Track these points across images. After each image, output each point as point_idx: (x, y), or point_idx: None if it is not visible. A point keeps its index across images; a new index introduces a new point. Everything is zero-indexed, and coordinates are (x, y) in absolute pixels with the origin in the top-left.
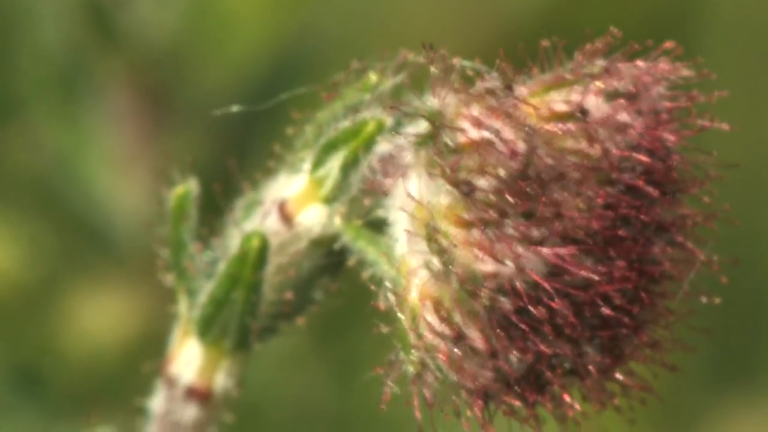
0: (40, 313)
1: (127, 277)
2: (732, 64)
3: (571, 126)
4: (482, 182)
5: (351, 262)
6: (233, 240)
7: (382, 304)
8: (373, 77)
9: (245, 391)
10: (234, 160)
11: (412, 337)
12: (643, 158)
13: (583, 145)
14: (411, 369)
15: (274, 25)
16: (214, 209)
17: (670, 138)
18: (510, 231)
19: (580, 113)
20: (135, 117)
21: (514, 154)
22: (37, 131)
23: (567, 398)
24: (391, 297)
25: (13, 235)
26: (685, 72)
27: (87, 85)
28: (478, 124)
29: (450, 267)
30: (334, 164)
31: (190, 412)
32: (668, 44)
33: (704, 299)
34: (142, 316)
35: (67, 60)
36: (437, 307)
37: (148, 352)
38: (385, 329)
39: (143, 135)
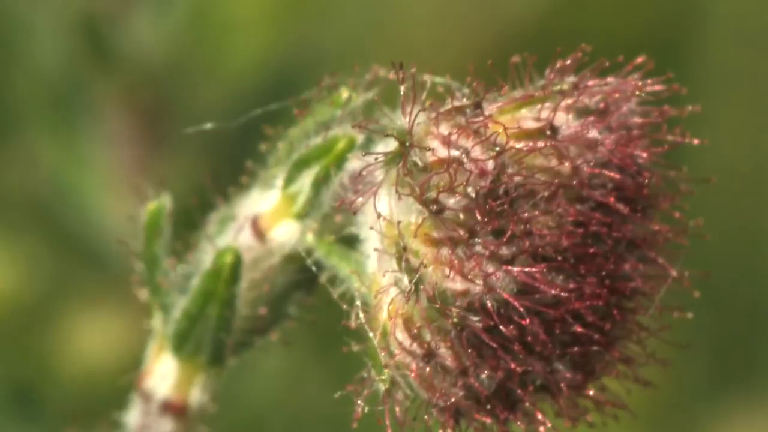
0: (36, 332)
1: (123, 296)
2: (732, 65)
3: (541, 143)
4: (451, 201)
5: (323, 278)
6: (207, 255)
7: (353, 323)
8: (344, 93)
9: (246, 405)
10: (226, 174)
11: (382, 356)
12: (614, 175)
13: (554, 162)
14: (382, 387)
15: (271, 42)
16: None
17: (641, 154)
18: (480, 249)
19: (550, 130)
20: (131, 136)
21: (483, 172)
22: (34, 151)
23: (539, 415)
24: (362, 315)
25: (9, 255)
26: (657, 87)
27: (83, 105)
28: (447, 143)
29: (420, 285)
30: (306, 181)
31: (165, 427)
32: (640, 59)
33: (676, 314)
34: (137, 335)
35: (63, 80)
36: (408, 325)
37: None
38: (356, 347)
39: (139, 155)
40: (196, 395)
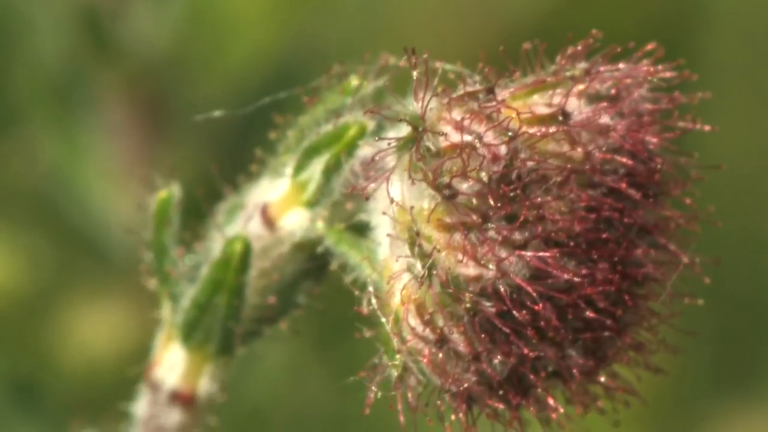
0: (37, 324)
1: (124, 288)
2: (733, 62)
3: (553, 129)
4: (464, 186)
5: (334, 266)
6: (216, 244)
7: (365, 309)
8: (354, 81)
9: (248, 398)
10: (226, 167)
11: (395, 341)
12: (626, 161)
13: (566, 148)
14: (394, 373)
15: (272, 34)
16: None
17: (652, 140)
18: (492, 234)
19: (562, 116)
20: (132, 129)
21: (495, 157)
22: (34, 143)
23: (551, 401)
24: (374, 301)
25: (10, 247)
26: (667, 74)
27: (84, 98)
28: (459, 128)
29: (433, 271)
30: (316, 168)
31: (174, 417)
32: (650, 46)
33: (687, 300)
34: (139, 327)
35: (64, 72)
36: (420, 310)
37: (146, 364)
38: (368, 333)
39: (140, 147)
40: (205, 385)
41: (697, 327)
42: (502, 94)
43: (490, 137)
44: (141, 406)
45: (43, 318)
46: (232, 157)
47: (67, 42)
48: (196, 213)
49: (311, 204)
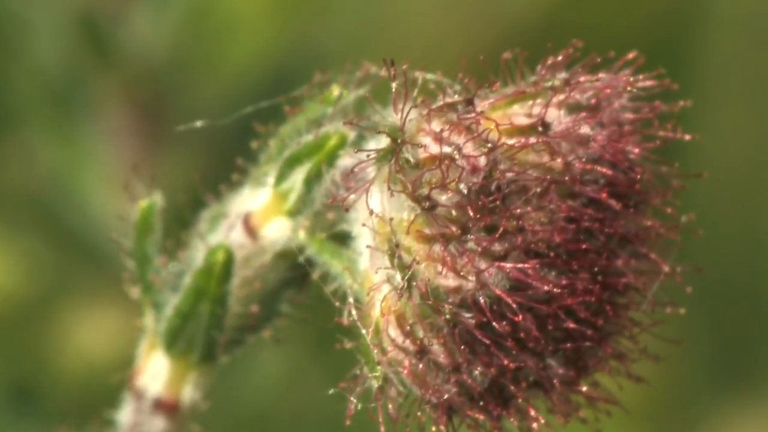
0: (36, 329)
1: (122, 293)
2: (734, 62)
3: (532, 139)
4: (444, 197)
5: (316, 275)
6: (198, 253)
7: (345, 320)
8: (335, 90)
9: (246, 403)
10: (226, 172)
11: (375, 353)
12: (606, 171)
13: (545, 158)
14: (375, 384)
15: (271, 40)
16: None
17: (633, 150)
18: (472, 246)
19: (542, 126)
20: (131, 133)
21: (475, 169)
22: (33, 148)
23: (532, 411)
24: (354, 312)
25: (8, 252)
26: (648, 83)
27: (83, 102)
28: (438, 139)
29: (412, 282)
30: (297, 178)
31: (157, 425)
32: (631, 54)
33: (669, 309)
34: (137, 332)
35: (63, 77)
36: (400, 321)
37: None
38: (349, 345)
39: (139, 151)
40: (188, 393)
41: (696, 327)
42: (481, 104)
43: (469, 148)
44: (125, 414)
45: (42, 322)
46: (224, 162)
47: (65, 46)
48: (182, 221)
49: (293, 213)
